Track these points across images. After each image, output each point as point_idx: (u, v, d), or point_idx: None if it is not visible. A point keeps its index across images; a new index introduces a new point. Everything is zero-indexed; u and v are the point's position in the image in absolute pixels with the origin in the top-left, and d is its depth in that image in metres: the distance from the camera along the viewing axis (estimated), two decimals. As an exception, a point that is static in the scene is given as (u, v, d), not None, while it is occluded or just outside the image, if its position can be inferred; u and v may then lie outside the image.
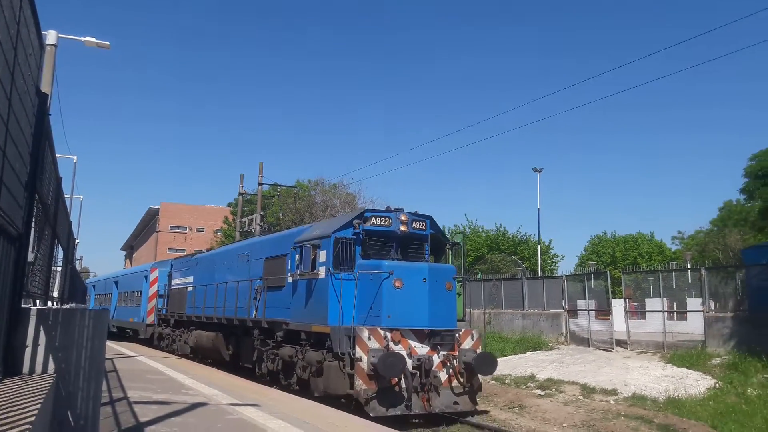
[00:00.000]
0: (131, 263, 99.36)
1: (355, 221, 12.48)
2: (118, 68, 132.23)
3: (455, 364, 11.71)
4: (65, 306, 8.02)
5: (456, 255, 13.50)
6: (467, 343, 12.06)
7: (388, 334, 11.23)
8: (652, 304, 22.15)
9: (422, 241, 13.30)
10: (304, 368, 12.81)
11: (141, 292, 27.99)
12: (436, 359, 11.49)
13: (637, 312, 24.25)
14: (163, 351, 24.20)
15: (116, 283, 34.78)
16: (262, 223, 30.99)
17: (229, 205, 54.01)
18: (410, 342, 11.43)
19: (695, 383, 15.11)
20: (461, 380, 11.75)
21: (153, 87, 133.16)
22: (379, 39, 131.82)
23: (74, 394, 4.88)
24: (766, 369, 15.07)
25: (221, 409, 9.34)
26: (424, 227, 13.15)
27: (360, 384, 10.81)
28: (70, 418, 4.67)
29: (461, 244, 13.37)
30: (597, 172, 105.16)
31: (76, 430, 4.84)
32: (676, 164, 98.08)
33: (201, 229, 79.31)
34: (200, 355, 20.43)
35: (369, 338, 11.07)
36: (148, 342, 27.04)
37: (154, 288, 26.87)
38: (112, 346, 25.41)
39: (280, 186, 36.59)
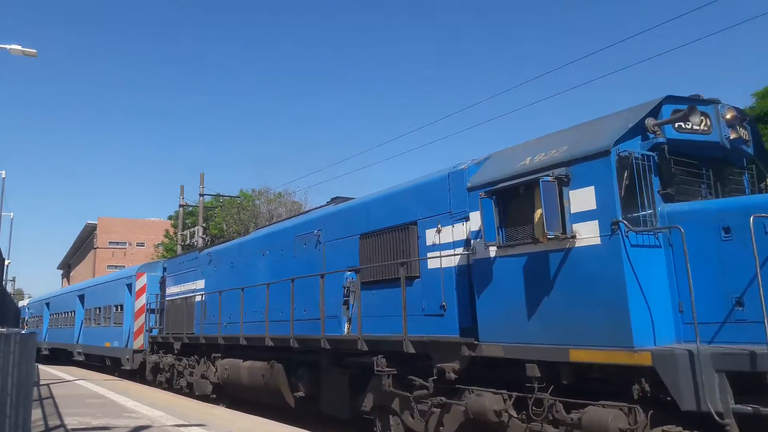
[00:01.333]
0: (68, 282, 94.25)
1: (649, 121, 5.88)
2: (49, 79, 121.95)
3: None
4: (-6, 330, 6.03)
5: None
6: None
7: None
8: None
9: (742, 165, 6.81)
10: (541, 439, 6.12)
11: (122, 306, 20.58)
12: None
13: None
14: (164, 390, 16.97)
15: (81, 297, 27.06)
16: (204, 236, 29.41)
17: (170, 218, 51.84)
18: None
19: None
20: None
21: (86, 99, 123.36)
22: (317, 44, 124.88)
23: (0, 423, 5.08)
24: None
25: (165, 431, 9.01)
26: (747, 137, 6.64)
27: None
28: None
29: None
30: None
31: (6, 461, 4.70)
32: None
33: (141, 244, 75.86)
34: (235, 394, 13.43)
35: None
36: (136, 375, 19.70)
37: (142, 300, 19.55)
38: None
39: (222, 196, 35.08)
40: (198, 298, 15.73)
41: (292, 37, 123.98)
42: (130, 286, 20.14)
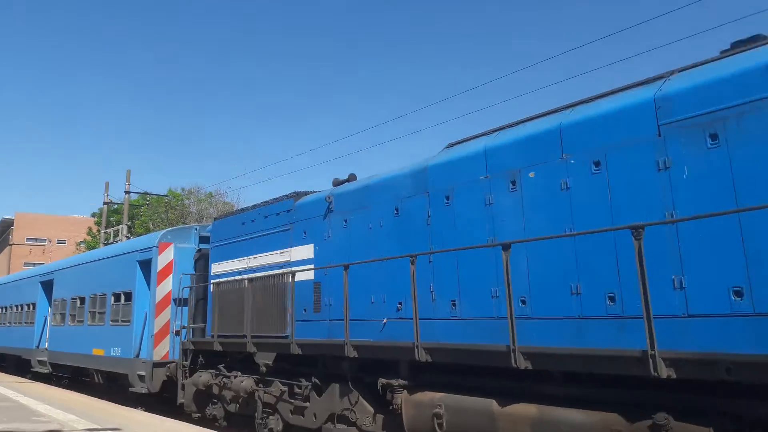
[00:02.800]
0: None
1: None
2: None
3: None
4: None
5: None
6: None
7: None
8: None
9: None
10: None
11: (130, 294, 13.38)
12: None
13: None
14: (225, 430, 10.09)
15: (47, 284, 19.45)
16: (128, 235, 28.29)
17: (94, 215, 51.06)
18: None
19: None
20: None
21: (4, 86, 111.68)
22: (254, 41, 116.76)
23: None
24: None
25: (76, 437, 8.24)
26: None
27: None
28: None
29: None
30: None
31: None
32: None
33: (62, 242, 71.95)
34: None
35: None
36: (160, 401, 12.64)
37: (168, 284, 12.50)
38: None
39: (150, 195, 34.35)
40: (302, 276, 8.93)
41: (227, 33, 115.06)
42: (145, 264, 13.00)
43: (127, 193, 30.35)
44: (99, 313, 14.78)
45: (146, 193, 34.08)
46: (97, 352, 14.61)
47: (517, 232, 6.09)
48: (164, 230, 13.50)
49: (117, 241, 26.59)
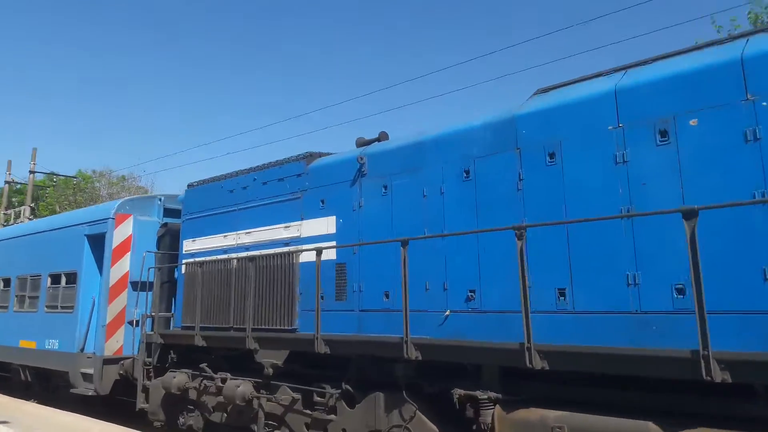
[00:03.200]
0: None
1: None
2: None
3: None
4: None
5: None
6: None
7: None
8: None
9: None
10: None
11: (75, 275, 10.96)
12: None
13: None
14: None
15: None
16: (32, 216, 27.32)
17: None
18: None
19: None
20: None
21: None
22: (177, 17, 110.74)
23: None
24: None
25: (-43, 432, 7.45)
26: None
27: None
28: None
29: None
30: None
31: None
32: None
33: None
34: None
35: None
36: (104, 403, 10.44)
37: (125, 263, 10.26)
38: None
39: (57, 175, 33.48)
40: (324, 256, 7.06)
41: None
42: (96, 240, 10.64)
43: (32, 172, 28.93)
44: (30, 297, 12.20)
45: (53, 174, 32.44)
46: (26, 344, 12.07)
47: (671, 198, 4.56)
48: (122, 199, 11.16)
49: (18, 224, 24.47)
